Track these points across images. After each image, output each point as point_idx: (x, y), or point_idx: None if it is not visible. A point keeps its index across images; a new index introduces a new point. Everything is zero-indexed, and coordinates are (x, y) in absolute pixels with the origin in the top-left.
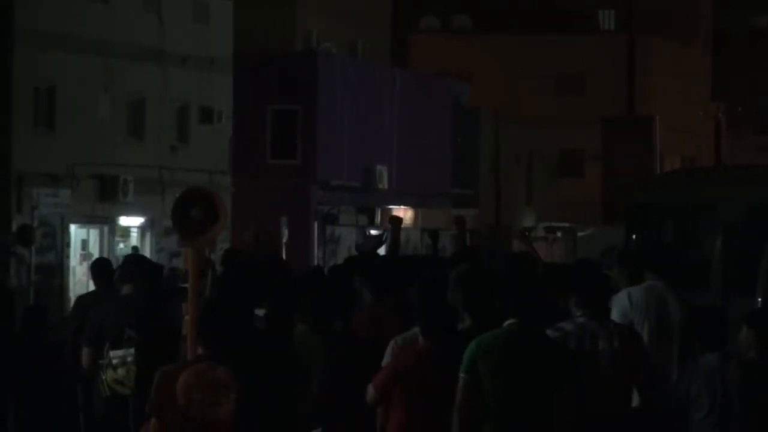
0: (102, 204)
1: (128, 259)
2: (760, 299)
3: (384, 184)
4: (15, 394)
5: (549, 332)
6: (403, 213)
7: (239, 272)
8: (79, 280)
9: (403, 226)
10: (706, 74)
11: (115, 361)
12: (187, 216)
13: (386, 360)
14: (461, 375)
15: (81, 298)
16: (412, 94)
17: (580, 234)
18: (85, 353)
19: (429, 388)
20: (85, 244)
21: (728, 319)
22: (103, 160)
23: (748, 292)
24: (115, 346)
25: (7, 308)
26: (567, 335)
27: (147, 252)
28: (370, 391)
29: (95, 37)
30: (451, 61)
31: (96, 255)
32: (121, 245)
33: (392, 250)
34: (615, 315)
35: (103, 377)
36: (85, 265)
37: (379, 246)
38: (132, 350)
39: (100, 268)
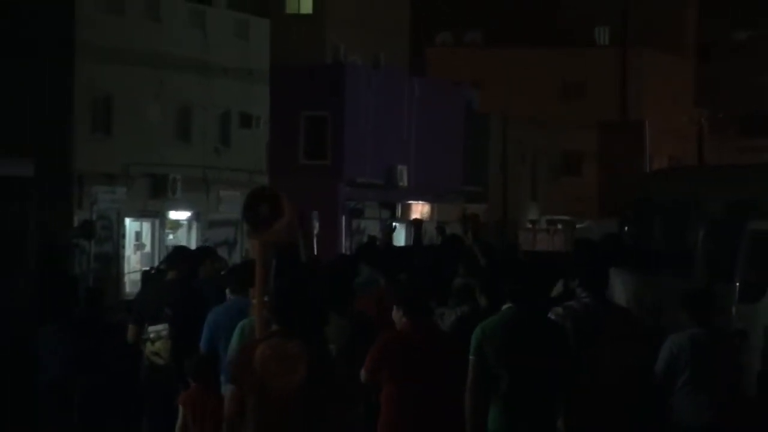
0: (153, 200)
1: (173, 249)
2: (738, 284)
3: (404, 181)
4: (77, 365)
5: (557, 310)
6: (421, 207)
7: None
8: (133, 268)
9: (418, 217)
10: (691, 83)
11: (152, 336)
12: (256, 212)
13: None
14: (470, 357)
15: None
16: (429, 101)
17: (578, 226)
18: (129, 329)
19: (413, 364)
20: (138, 235)
21: (703, 301)
22: (154, 160)
23: (727, 279)
24: (154, 323)
25: (71, 292)
26: (569, 315)
27: (193, 243)
28: (362, 373)
29: (147, 51)
30: (463, 71)
31: (148, 246)
32: (170, 236)
33: (416, 244)
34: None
35: (146, 350)
36: (139, 254)
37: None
38: (167, 326)
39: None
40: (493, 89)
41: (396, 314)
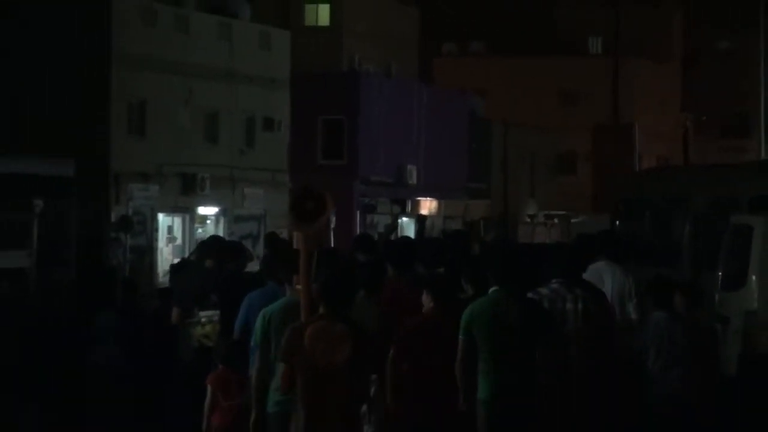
0: (184, 197)
1: (207, 240)
2: (720, 274)
3: (413, 179)
4: (130, 349)
5: (529, 294)
6: (429, 203)
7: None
8: (165, 259)
9: (428, 213)
10: (677, 89)
11: (203, 320)
12: (303, 207)
13: None
14: (460, 337)
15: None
16: (436, 107)
17: (572, 221)
18: (174, 312)
19: (436, 342)
20: (170, 229)
21: (672, 289)
22: (184, 160)
23: (712, 268)
24: (202, 308)
25: (110, 282)
26: (542, 298)
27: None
28: (392, 350)
29: (177, 60)
30: (467, 79)
31: (179, 239)
32: (200, 230)
33: (419, 237)
34: None
35: (193, 332)
36: (171, 247)
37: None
38: (217, 312)
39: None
40: (494, 96)
41: (426, 298)
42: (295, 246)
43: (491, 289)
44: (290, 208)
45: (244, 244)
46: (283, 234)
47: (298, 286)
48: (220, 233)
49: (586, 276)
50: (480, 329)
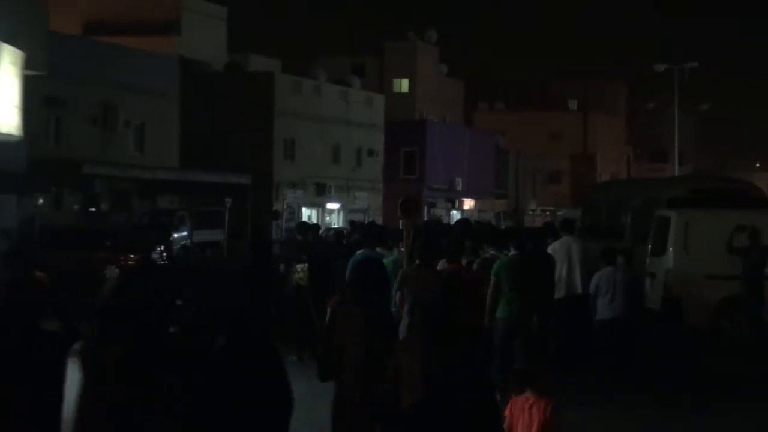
0: (318, 197)
1: (298, 223)
2: (649, 246)
3: (459, 187)
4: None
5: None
6: (469, 202)
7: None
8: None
9: (469, 208)
10: (622, 133)
11: (299, 269)
12: (408, 206)
13: None
14: (492, 278)
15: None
16: (474, 142)
17: (558, 213)
18: (282, 267)
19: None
20: (309, 218)
21: (615, 252)
22: (318, 175)
23: (644, 243)
24: (299, 263)
25: (268, 249)
26: (508, 258)
27: (341, 223)
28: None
29: (314, 113)
30: (494, 125)
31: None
32: (327, 218)
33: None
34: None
35: (294, 277)
36: None
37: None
38: (306, 266)
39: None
40: (511, 135)
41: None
42: (401, 228)
43: (511, 253)
44: (400, 206)
45: (318, 224)
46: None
47: (403, 250)
48: (341, 221)
49: (558, 244)
50: (505, 274)
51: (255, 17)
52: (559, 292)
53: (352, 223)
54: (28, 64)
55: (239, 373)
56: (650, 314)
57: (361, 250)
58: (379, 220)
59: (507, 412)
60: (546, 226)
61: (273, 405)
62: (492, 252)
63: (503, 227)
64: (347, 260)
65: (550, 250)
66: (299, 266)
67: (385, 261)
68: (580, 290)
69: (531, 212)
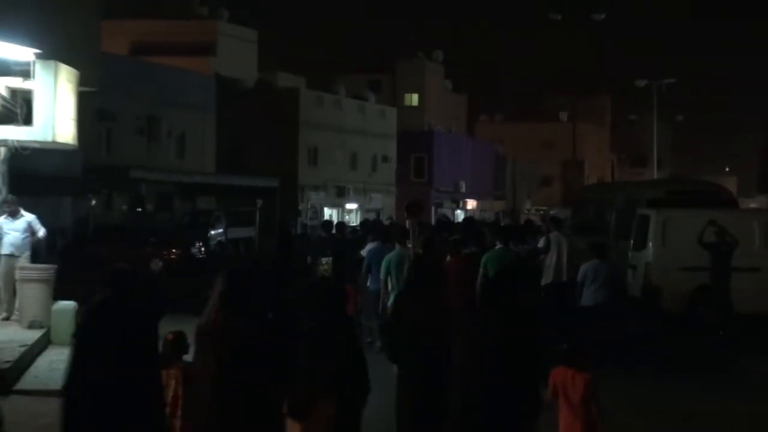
0: (338, 198)
1: (324, 222)
2: (631, 241)
3: (463, 189)
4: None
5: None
6: (472, 202)
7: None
8: None
9: (472, 208)
10: (607, 141)
11: (324, 262)
12: (413, 209)
13: None
14: (480, 269)
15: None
16: (476, 150)
17: (550, 212)
18: (309, 259)
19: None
20: (330, 217)
21: (605, 247)
22: (338, 178)
23: (627, 238)
24: (323, 256)
25: (290, 244)
26: (521, 250)
27: (357, 221)
28: None
29: (334, 124)
30: (494, 135)
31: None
32: (346, 217)
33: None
34: (542, 244)
35: (320, 269)
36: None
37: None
38: (330, 259)
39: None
40: (510, 145)
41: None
42: (407, 227)
43: (496, 247)
44: (406, 208)
45: (342, 222)
46: (312, 220)
47: (410, 245)
48: (357, 219)
49: (552, 237)
50: (492, 265)
51: (282, 40)
52: (547, 279)
53: (365, 222)
54: (82, 82)
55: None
56: (632, 302)
57: (372, 244)
58: (394, 219)
59: (551, 381)
60: (526, 223)
61: None
62: (473, 248)
63: (502, 224)
64: (355, 253)
65: (542, 243)
66: (324, 259)
67: (389, 255)
68: (565, 278)
69: (526, 211)
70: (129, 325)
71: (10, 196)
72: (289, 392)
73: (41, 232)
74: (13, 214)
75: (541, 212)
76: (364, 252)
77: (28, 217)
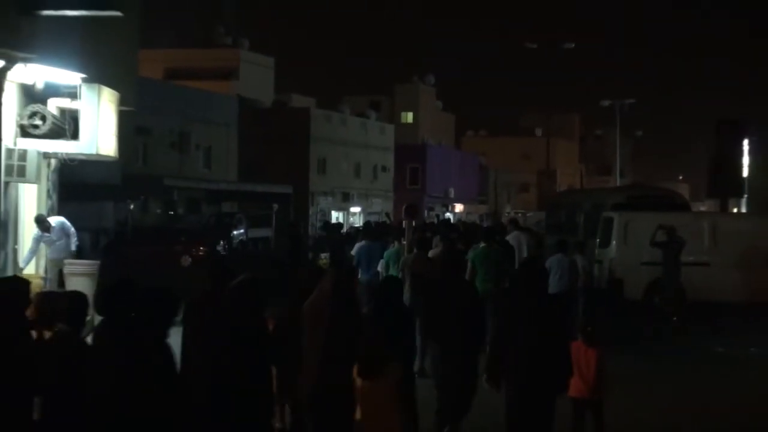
0: (344, 203)
1: (324, 223)
2: (597, 240)
3: (452, 195)
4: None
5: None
6: (459, 207)
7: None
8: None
9: (459, 211)
10: (576, 153)
11: (323, 257)
12: (410, 211)
13: None
14: (469, 264)
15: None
16: (462, 161)
17: (527, 214)
18: (310, 255)
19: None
20: (337, 219)
21: (568, 244)
22: (344, 186)
23: (593, 237)
24: (322, 252)
25: (300, 244)
26: (479, 248)
27: (360, 222)
28: None
29: (340, 138)
30: (478, 148)
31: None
32: (351, 219)
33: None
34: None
35: (320, 263)
36: None
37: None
38: (328, 254)
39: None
40: (491, 156)
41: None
42: (403, 226)
43: (481, 244)
44: (404, 211)
45: (340, 223)
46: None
47: (405, 242)
48: (361, 221)
49: (511, 237)
50: (478, 261)
51: (296, 65)
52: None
53: (367, 223)
54: (122, 102)
55: None
56: (599, 291)
57: (361, 242)
58: (391, 218)
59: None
60: (495, 224)
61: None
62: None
63: (485, 225)
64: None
65: (509, 238)
66: (323, 254)
67: (389, 251)
68: None
69: (506, 214)
70: (235, 312)
71: (40, 215)
72: (361, 358)
73: (71, 231)
74: (47, 230)
75: (519, 215)
76: (353, 251)
77: (54, 222)
